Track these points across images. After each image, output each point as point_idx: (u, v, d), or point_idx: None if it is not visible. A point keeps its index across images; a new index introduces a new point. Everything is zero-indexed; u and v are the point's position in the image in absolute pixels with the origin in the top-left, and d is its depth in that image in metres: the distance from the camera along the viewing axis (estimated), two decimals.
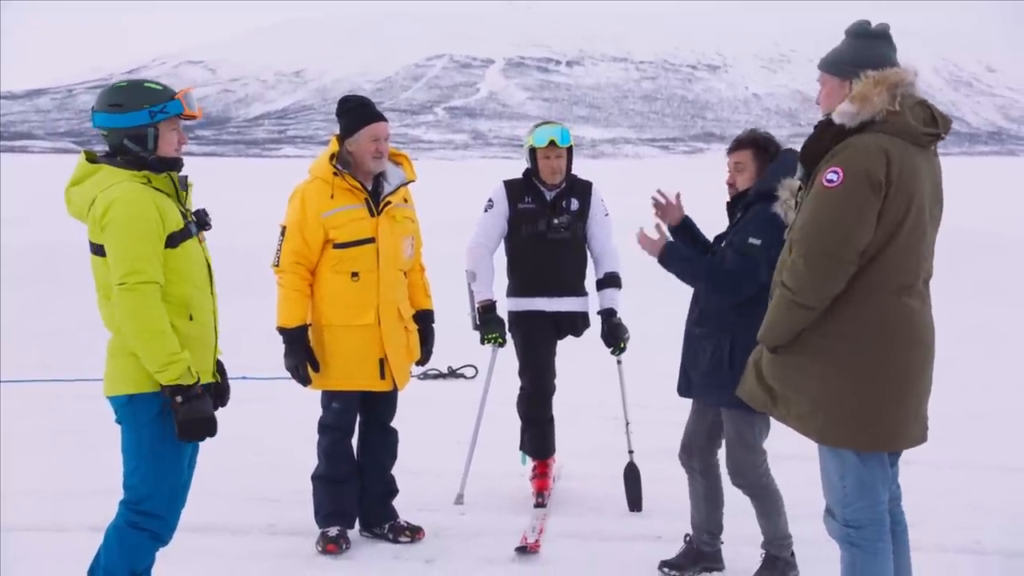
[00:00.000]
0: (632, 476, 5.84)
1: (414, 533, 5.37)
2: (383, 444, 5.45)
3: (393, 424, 5.48)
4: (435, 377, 9.39)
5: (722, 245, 4.71)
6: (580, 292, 6.00)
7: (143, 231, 3.81)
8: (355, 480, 5.34)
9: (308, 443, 5.42)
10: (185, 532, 4.24)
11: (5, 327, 11.09)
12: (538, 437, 6.04)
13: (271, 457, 6.64)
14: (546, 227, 5.86)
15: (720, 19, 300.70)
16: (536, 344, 5.94)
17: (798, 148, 3.92)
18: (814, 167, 3.69)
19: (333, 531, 5.22)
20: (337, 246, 5.13)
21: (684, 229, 4.88)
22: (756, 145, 4.72)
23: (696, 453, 4.88)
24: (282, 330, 5.15)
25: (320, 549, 5.17)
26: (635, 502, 5.80)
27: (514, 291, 5.97)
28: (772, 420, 4.30)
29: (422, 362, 5.59)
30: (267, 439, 7.02)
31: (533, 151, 5.88)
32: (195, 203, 4.16)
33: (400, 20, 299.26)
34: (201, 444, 4.05)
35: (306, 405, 5.80)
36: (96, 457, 5.46)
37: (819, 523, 3.87)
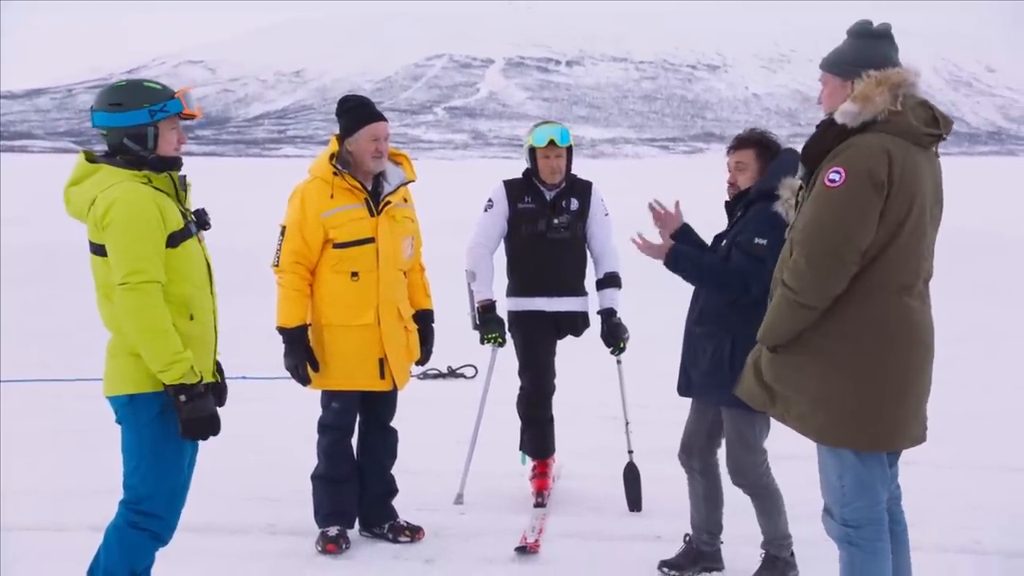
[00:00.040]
0: (632, 476, 5.84)
1: (414, 533, 5.37)
2: (383, 444, 5.46)
3: (393, 424, 5.48)
4: (435, 377, 9.39)
5: (722, 244, 4.70)
6: (580, 292, 6.00)
7: (144, 231, 3.81)
8: (355, 480, 5.34)
9: (308, 443, 5.42)
10: (185, 532, 4.24)
11: (5, 327, 11.08)
12: (538, 437, 6.04)
13: (271, 457, 6.64)
14: (546, 227, 5.86)
15: (720, 19, 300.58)
16: (536, 344, 5.94)
17: (798, 148, 3.92)
18: (816, 167, 3.69)
19: (333, 531, 5.22)
20: (337, 246, 5.13)
21: (683, 235, 4.86)
22: (758, 144, 4.73)
23: (696, 453, 4.88)
24: (282, 330, 5.15)
25: (320, 549, 5.17)
26: (635, 502, 5.80)
27: (514, 291, 5.97)
28: (772, 419, 4.30)
29: (422, 362, 5.59)
30: (267, 439, 7.02)
31: (533, 151, 5.88)
32: (195, 203, 4.17)
33: (400, 20, 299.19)
34: (201, 444, 4.05)
35: (306, 405, 5.80)
36: (96, 457, 5.46)
37: (819, 523, 3.87)
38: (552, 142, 5.81)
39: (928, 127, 3.65)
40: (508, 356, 6.03)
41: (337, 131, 5.27)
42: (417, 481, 5.90)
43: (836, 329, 3.63)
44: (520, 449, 6.19)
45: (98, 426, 5.09)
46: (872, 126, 3.58)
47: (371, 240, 5.16)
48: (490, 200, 5.96)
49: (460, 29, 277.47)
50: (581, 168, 6.19)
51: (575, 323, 6.03)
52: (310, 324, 5.20)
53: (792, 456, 5.03)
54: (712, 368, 4.63)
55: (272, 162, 69.48)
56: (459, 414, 7.00)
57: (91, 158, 3.97)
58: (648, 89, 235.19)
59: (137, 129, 3.91)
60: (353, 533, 5.36)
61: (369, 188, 5.22)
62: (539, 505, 5.87)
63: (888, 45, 3.72)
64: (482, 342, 6.01)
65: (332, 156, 5.18)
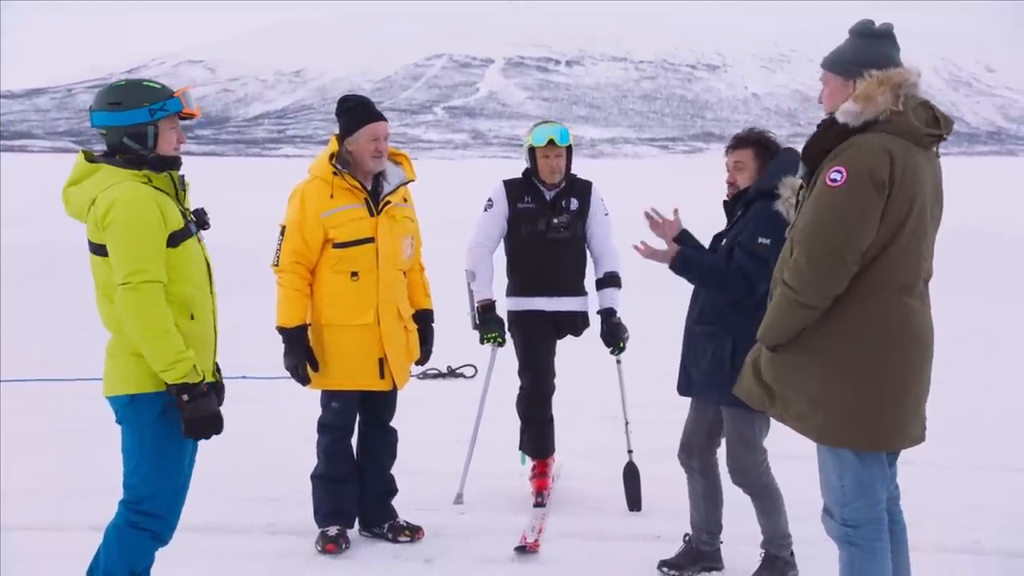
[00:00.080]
0: (631, 476, 5.84)
1: (413, 533, 5.37)
2: (382, 444, 5.46)
3: (392, 424, 5.48)
4: (435, 377, 9.39)
5: (722, 244, 4.70)
6: (580, 292, 6.00)
7: (145, 230, 3.81)
8: (354, 480, 5.34)
9: (308, 443, 5.42)
10: (185, 532, 4.23)
11: (5, 327, 11.09)
12: (537, 437, 6.04)
13: (271, 457, 6.64)
14: (546, 227, 5.86)
15: (719, 19, 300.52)
16: (536, 344, 5.95)
17: (798, 148, 3.92)
18: (816, 166, 3.69)
19: (332, 530, 5.22)
20: (337, 246, 5.13)
21: (683, 240, 4.84)
22: (757, 143, 4.73)
23: (695, 453, 4.88)
24: (281, 330, 5.15)
25: (319, 549, 5.17)
26: (634, 502, 5.81)
27: (514, 291, 5.97)
28: (772, 419, 4.30)
29: (422, 362, 5.59)
30: (267, 439, 7.02)
31: (532, 150, 5.88)
32: (194, 203, 4.17)
33: (400, 20, 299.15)
34: (200, 443, 4.05)
35: (306, 405, 5.80)
36: (96, 457, 5.46)
37: (819, 523, 3.87)
38: (552, 141, 5.81)
39: (929, 127, 3.65)
40: (508, 356, 6.03)
41: (337, 131, 5.27)
42: (417, 481, 5.90)
43: (836, 329, 3.63)
44: (520, 449, 6.19)
45: (98, 426, 5.09)
46: (873, 126, 3.58)
47: (371, 240, 5.16)
48: (490, 200, 5.96)
49: (460, 29, 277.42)
50: (581, 168, 6.19)
51: (575, 323, 6.03)
52: (310, 324, 5.21)
53: (792, 456, 5.04)
54: (713, 368, 4.63)
55: (272, 162, 69.45)
56: (459, 414, 7.01)
57: (90, 158, 3.96)
58: (648, 89, 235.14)
59: (137, 128, 3.91)
60: (353, 533, 5.36)
61: (369, 188, 5.22)
62: (539, 505, 5.87)
63: (890, 45, 3.72)
64: (482, 342, 6.01)
65: (332, 156, 5.18)
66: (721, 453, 4.87)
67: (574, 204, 5.93)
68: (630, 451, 5.92)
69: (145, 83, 4.01)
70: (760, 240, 4.49)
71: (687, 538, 4.98)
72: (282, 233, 5.17)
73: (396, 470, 5.50)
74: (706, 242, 4.81)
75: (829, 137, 3.65)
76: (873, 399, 3.63)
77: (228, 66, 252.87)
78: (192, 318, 3.97)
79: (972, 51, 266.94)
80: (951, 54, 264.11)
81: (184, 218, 3.99)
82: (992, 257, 15.70)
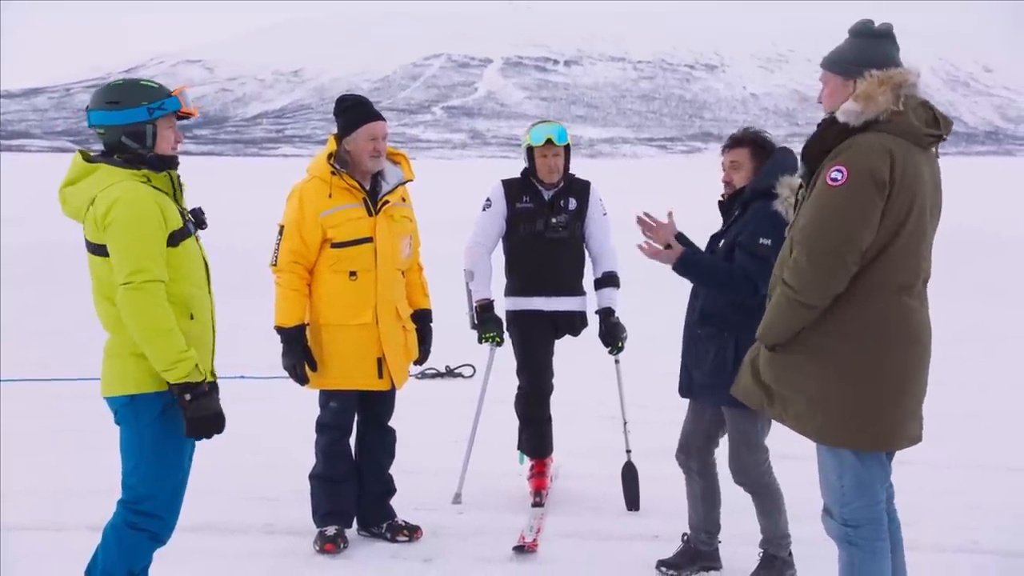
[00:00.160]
0: (630, 475, 5.84)
1: (412, 532, 5.37)
2: (381, 443, 5.46)
3: (391, 423, 5.48)
4: (433, 376, 9.39)
5: (720, 244, 4.70)
6: (578, 291, 6.00)
7: (146, 230, 3.81)
8: (353, 479, 5.34)
9: (306, 442, 5.42)
10: (183, 531, 4.23)
11: (5, 327, 11.07)
12: (536, 436, 6.05)
13: (269, 456, 6.64)
14: (544, 226, 5.86)
15: (718, 19, 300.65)
16: (534, 343, 5.95)
17: (796, 148, 3.92)
18: (816, 166, 3.69)
19: (331, 530, 5.22)
20: (335, 245, 5.13)
21: (680, 243, 4.81)
22: (753, 143, 4.72)
23: (694, 453, 4.88)
24: (280, 329, 5.15)
25: (318, 548, 5.17)
26: (633, 501, 5.81)
27: (512, 290, 5.97)
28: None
29: (420, 361, 5.59)
30: (265, 438, 7.01)
31: (530, 150, 5.89)
32: (192, 202, 4.17)
33: (398, 20, 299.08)
34: (199, 443, 4.05)
35: (304, 404, 5.80)
36: (95, 457, 5.46)
37: (818, 523, 3.87)
38: (550, 141, 5.81)
39: (929, 127, 3.66)
40: (506, 355, 6.03)
41: (335, 130, 5.27)
42: (415, 480, 5.90)
43: (836, 329, 3.64)
44: (518, 448, 6.19)
45: (97, 426, 5.09)
46: (873, 126, 3.59)
47: (369, 240, 5.16)
48: (488, 199, 5.96)
49: (458, 29, 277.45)
50: (579, 168, 6.19)
51: (573, 323, 6.03)
52: (308, 324, 5.21)
53: (792, 456, 5.04)
54: (715, 369, 4.62)
55: (270, 162, 69.42)
56: (457, 413, 7.01)
57: (88, 157, 3.95)
58: (646, 89, 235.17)
59: (135, 127, 3.91)
60: (351, 532, 5.36)
61: (367, 188, 5.22)
62: (537, 504, 5.87)
63: (890, 45, 3.73)
64: (480, 341, 6.01)
65: (330, 156, 5.18)
66: (720, 453, 4.88)
67: (572, 204, 5.93)
68: (628, 451, 5.92)
69: (143, 82, 4.01)
70: (761, 240, 4.48)
71: (685, 538, 4.99)
72: (280, 233, 5.17)
73: (394, 470, 5.50)
74: (702, 243, 4.81)
75: (829, 137, 3.66)
76: (872, 399, 3.63)
77: (226, 66, 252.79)
78: (192, 318, 3.97)
79: (970, 51, 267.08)
80: (949, 54, 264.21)
81: (183, 218, 3.99)
82: (990, 257, 15.71)
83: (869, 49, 3.70)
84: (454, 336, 6.67)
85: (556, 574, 4.97)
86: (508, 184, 5.97)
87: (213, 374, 4.13)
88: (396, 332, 5.27)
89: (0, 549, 5.06)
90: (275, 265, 5.16)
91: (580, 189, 5.98)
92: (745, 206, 4.63)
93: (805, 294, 3.61)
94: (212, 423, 3.89)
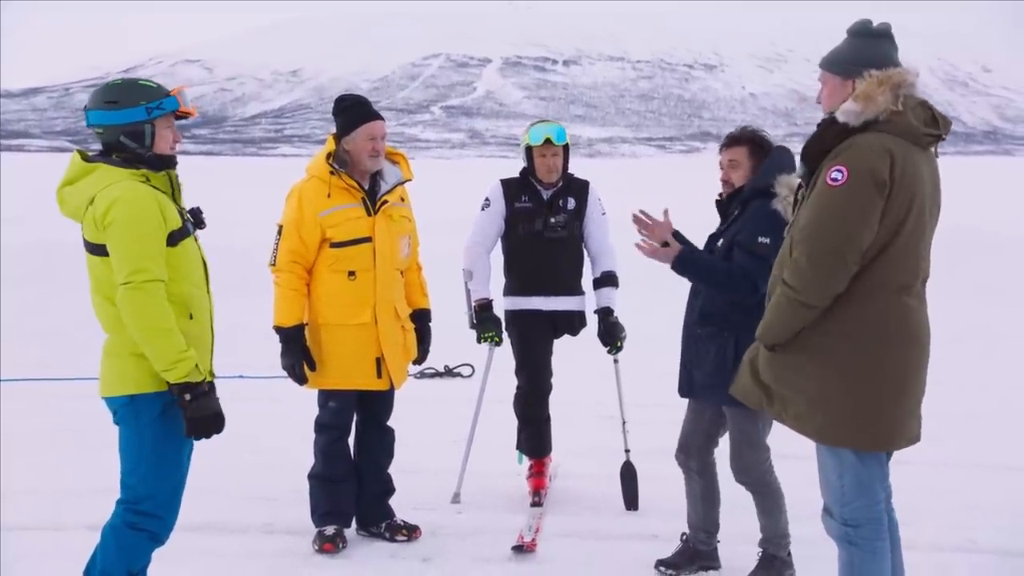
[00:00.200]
0: (628, 475, 5.85)
1: (411, 532, 5.37)
2: (380, 443, 5.46)
3: (390, 423, 5.49)
4: (432, 376, 9.39)
5: (718, 243, 4.70)
6: (577, 291, 6.00)
7: (146, 230, 3.81)
8: (352, 479, 5.34)
9: (305, 442, 5.42)
10: (182, 531, 4.23)
11: (5, 327, 11.08)
12: (535, 436, 6.05)
13: (268, 456, 6.65)
14: (543, 226, 5.86)
15: (717, 19, 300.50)
16: (533, 343, 5.95)
17: (795, 147, 3.92)
18: (816, 165, 3.69)
19: (330, 530, 5.22)
20: (334, 245, 5.13)
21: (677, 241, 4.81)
22: (751, 142, 4.73)
23: (693, 453, 4.88)
24: (279, 329, 5.16)
25: (317, 548, 5.18)
26: (631, 501, 5.81)
27: (511, 290, 5.98)
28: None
29: (419, 361, 5.60)
30: (264, 438, 7.02)
31: (529, 149, 5.89)
32: (191, 202, 4.17)
33: (397, 19, 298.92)
34: (198, 443, 4.05)
35: (303, 404, 5.80)
36: (95, 456, 5.46)
37: (818, 523, 3.88)
38: (548, 140, 5.81)
39: (928, 127, 3.66)
40: (505, 355, 6.04)
41: (334, 130, 5.27)
42: (414, 480, 5.91)
43: (836, 329, 3.64)
44: (517, 448, 6.20)
45: (97, 426, 5.09)
46: (873, 125, 3.59)
47: (368, 239, 5.16)
48: (487, 199, 5.96)
49: (457, 29, 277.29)
50: (577, 167, 6.19)
51: (572, 322, 6.04)
52: (307, 323, 5.21)
53: (792, 455, 5.03)
54: (716, 368, 4.62)
55: (269, 161, 69.29)
56: (456, 413, 7.01)
57: (86, 157, 3.95)
58: (645, 88, 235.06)
59: (134, 127, 3.92)
60: (350, 532, 5.36)
61: (366, 187, 5.22)
62: (536, 504, 5.87)
63: (889, 44, 3.73)
64: (479, 341, 6.01)
65: (329, 155, 5.18)
66: (720, 453, 4.88)
67: (571, 203, 5.93)
68: (627, 451, 5.93)
69: (141, 82, 4.01)
70: (760, 239, 4.49)
71: (684, 537, 4.99)
72: (279, 233, 5.18)
73: (393, 469, 5.51)
74: (701, 243, 4.81)
75: (829, 137, 3.66)
76: (872, 399, 3.63)
77: (225, 65, 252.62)
78: (191, 318, 3.97)
79: (969, 51, 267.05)
80: (948, 54, 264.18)
81: (181, 217, 4.00)
82: (988, 257, 15.72)
83: (868, 49, 3.70)
84: (453, 336, 6.67)
85: (555, 574, 4.97)
86: (507, 184, 5.97)
87: (212, 374, 4.14)
88: (395, 332, 5.27)
89: (0, 549, 5.06)
90: (274, 265, 5.17)
91: (579, 189, 5.98)
92: (744, 205, 4.64)
93: (805, 294, 3.62)
94: (212, 423, 3.89)
